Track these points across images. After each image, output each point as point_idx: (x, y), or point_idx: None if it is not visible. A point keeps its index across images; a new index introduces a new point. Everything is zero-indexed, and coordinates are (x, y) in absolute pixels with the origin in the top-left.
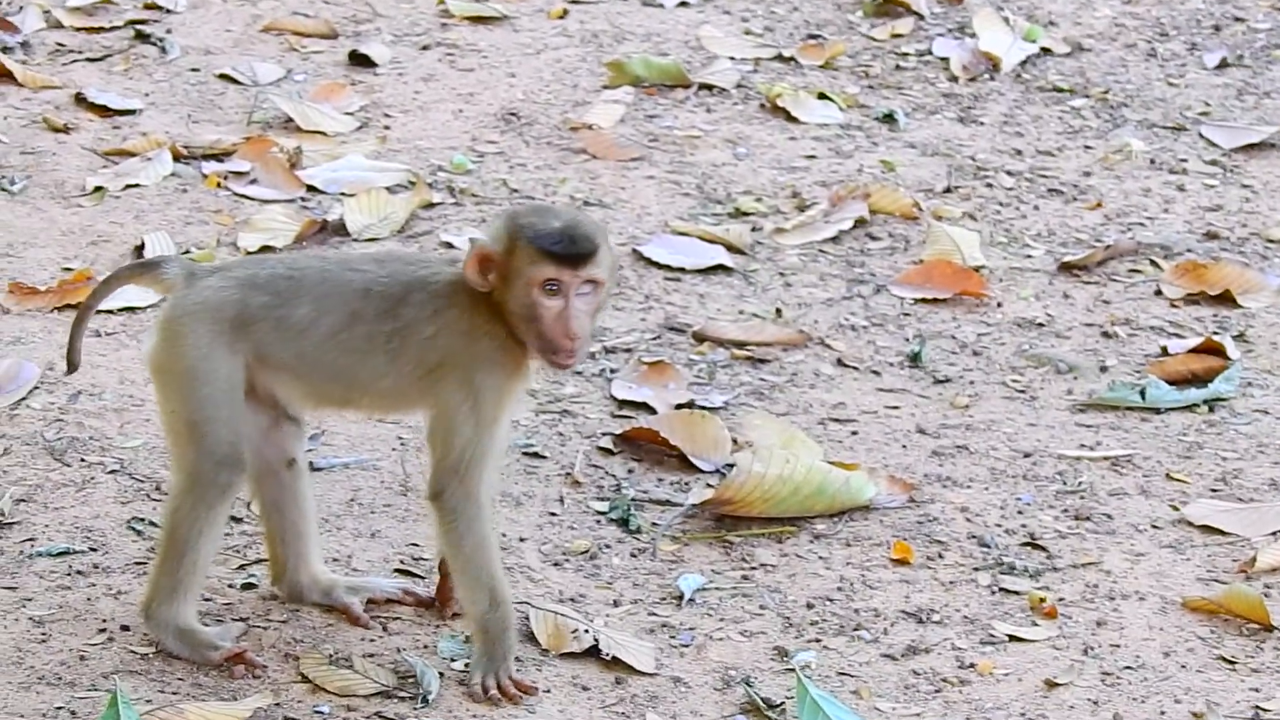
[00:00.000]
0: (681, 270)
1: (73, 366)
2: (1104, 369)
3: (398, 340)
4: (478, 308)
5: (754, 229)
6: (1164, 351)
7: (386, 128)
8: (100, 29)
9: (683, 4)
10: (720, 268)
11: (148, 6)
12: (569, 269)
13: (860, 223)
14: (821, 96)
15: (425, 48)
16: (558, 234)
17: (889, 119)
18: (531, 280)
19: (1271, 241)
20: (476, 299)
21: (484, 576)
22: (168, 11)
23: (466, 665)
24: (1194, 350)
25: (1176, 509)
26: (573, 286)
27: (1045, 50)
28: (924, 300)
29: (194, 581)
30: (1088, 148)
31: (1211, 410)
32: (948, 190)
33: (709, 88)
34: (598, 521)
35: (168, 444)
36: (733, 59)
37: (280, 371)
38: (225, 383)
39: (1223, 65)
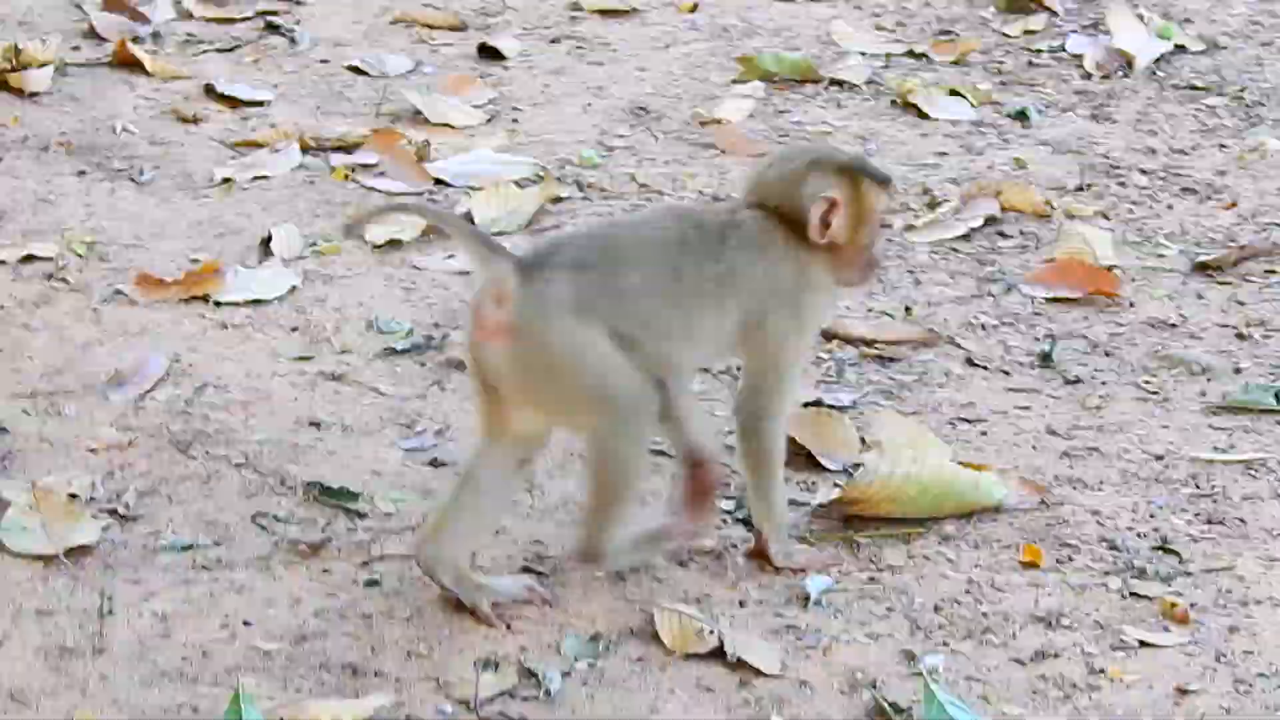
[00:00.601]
0: None
1: (349, 234)
2: (1238, 371)
3: (727, 283)
4: (789, 241)
5: (883, 225)
6: None
7: (515, 121)
8: (230, 20)
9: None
10: None
11: None
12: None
13: (991, 220)
14: (953, 93)
15: (554, 41)
16: (880, 169)
17: (1022, 116)
18: (878, 214)
19: None
20: (784, 233)
21: (779, 479)
22: (298, 3)
23: (591, 665)
24: None
25: None
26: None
27: (1180, 48)
28: (1055, 299)
29: (631, 513)
30: (1223, 147)
31: None
32: (1080, 189)
33: (839, 83)
34: (724, 521)
35: (569, 427)
36: (864, 54)
37: (624, 342)
38: (602, 345)
39: None
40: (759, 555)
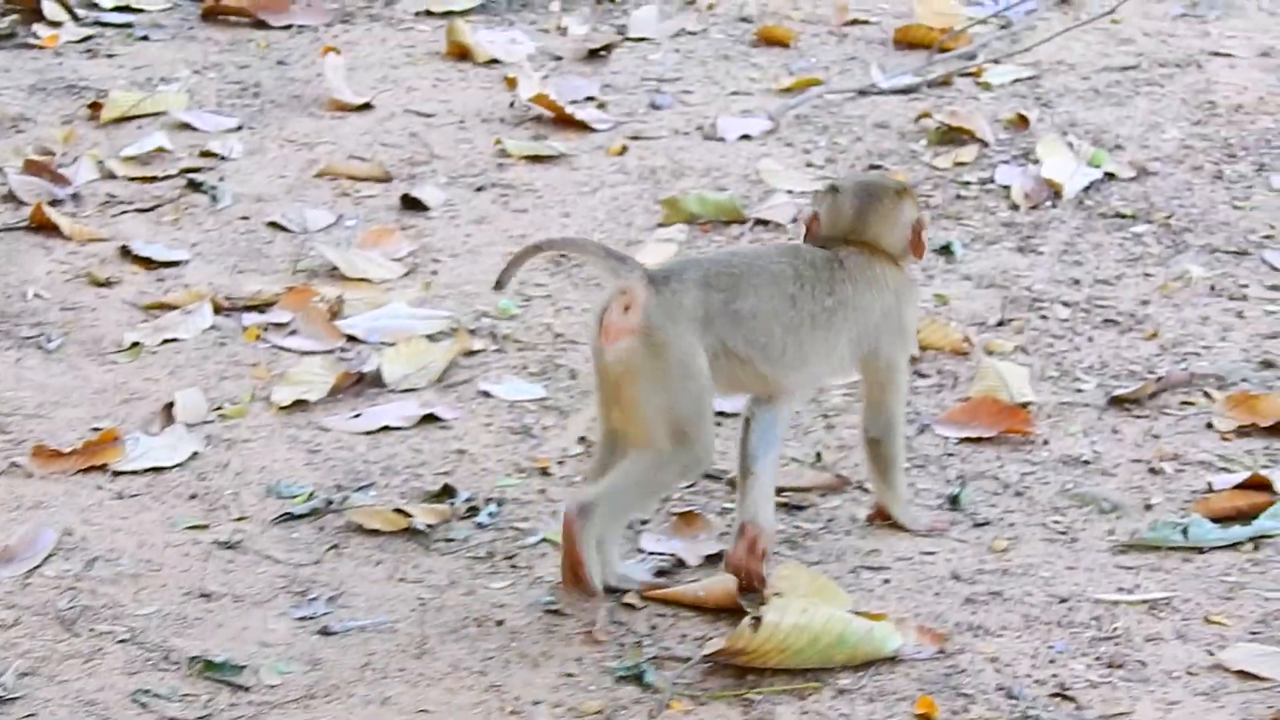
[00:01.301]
0: (722, 414)
1: (500, 285)
2: (1149, 507)
3: (839, 315)
4: (883, 267)
5: None
6: (1210, 488)
7: (434, 273)
8: (153, 178)
9: (744, 137)
10: None
11: (204, 154)
12: None
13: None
14: None
15: (480, 189)
16: None
17: (946, 251)
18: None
19: None
20: (878, 262)
21: (901, 468)
22: (223, 159)
23: None
24: (1240, 486)
25: (1213, 654)
26: None
27: (1110, 175)
28: (968, 439)
29: (619, 531)
30: (1148, 275)
31: (1256, 548)
32: (1001, 323)
33: (764, 223)
34: (616, 680)
35: (636, 434)
36: (791, 192)
37: (734, 360)
38: (706, 379)
39: None
40: (881, 517)
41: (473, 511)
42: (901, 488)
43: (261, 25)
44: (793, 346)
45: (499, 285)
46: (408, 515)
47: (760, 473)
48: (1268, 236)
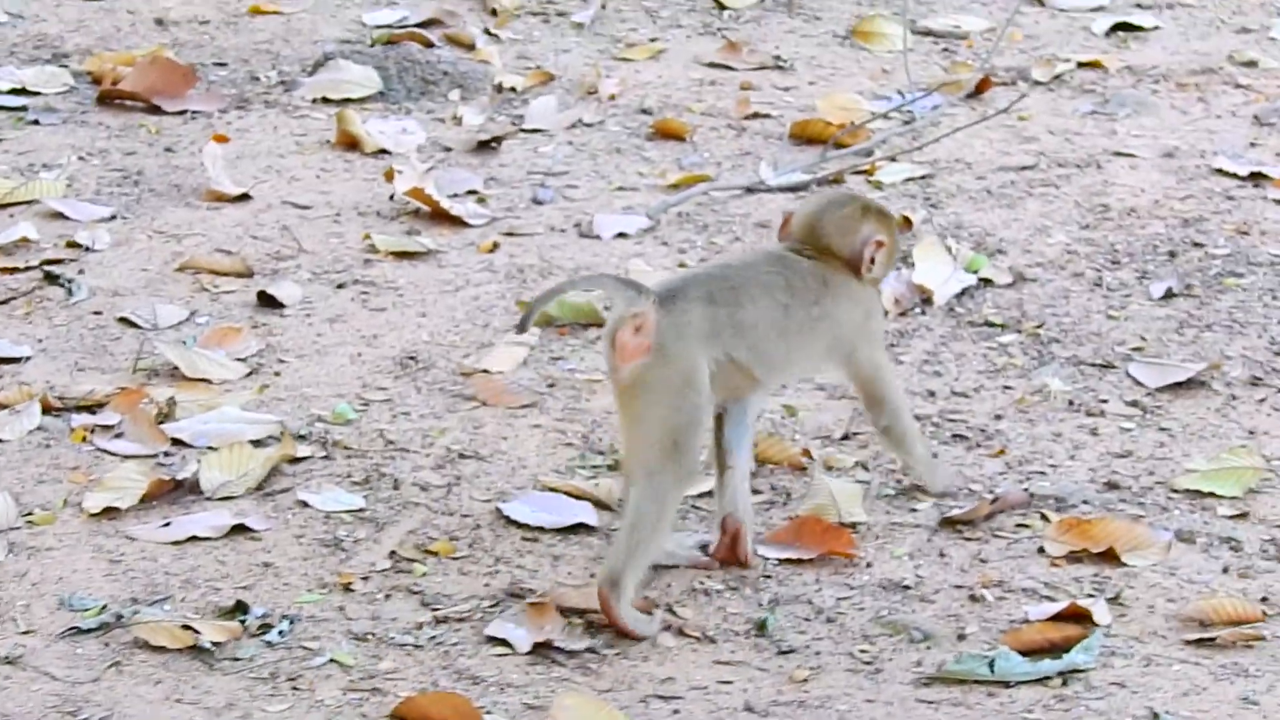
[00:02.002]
0: (540, 530)
1: (522, 329)
2: (962, 637)
3: (823, 323)
4: (855, 282)
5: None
6: (1025, 618)
7: (277, 374)
8: (13, 269)
9: (621, 235)
10: (582, 526)
11: (69, 245)
12: None
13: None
14: None
15: (341, 286)
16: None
17: None
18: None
19: (1176, 491)
20: (847, 273)
21: (919, 440)
22: (87, 250)
23: None
24: (1056, 617)
25: None
26: None
27: (986, 281)
28: (789, 560)
29: (650, 562)
30: (1007, 388)
31: (1065, 684)
32: (845, 437)
33: None
34: None
35: (633, 452)
36: None
37: (735, 368)
38: (707, 391)
39: (1168, 296)
40: (729, 555)
41: (265, 629)
42: (927, 458)
43: (156, 110)
44: (784, 353)
45: (521, 329)
46: (195, 632)
47: (737, 465)
48: (1137, 349)
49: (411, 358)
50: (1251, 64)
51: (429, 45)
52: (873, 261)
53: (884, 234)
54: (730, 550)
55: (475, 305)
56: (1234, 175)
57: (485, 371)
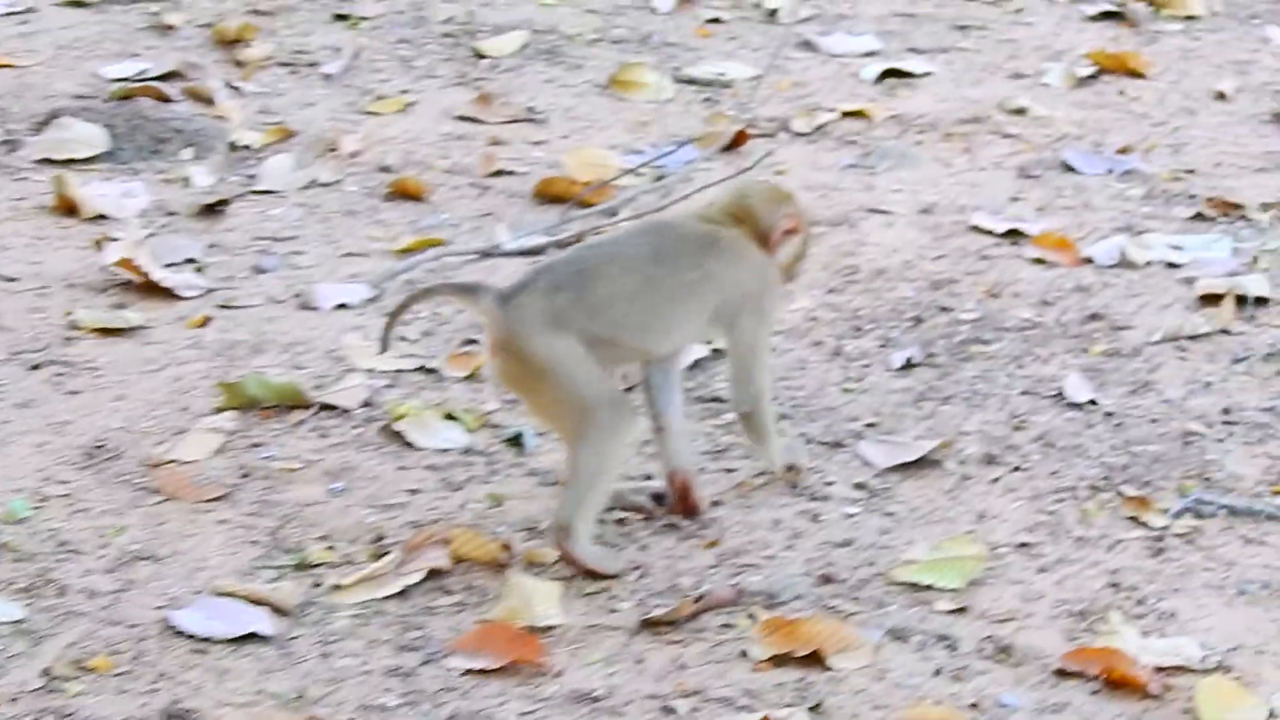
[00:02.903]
0: (209, 641)
1: (384, 348)
2: None
3: (702, 286)
4: (756, 250)
5: (315, 584)
6: None
7: None
8: None
9: (341, 306)
10: (255, 637)
11: None
12: None
13: (435, 574)
14: (449, 417)
15: (35, 367)
16: None
17: (515, 441)
18: (810, 237)
19: (894, 584)
20: (753, 247)
21: (773, 428)
22: None
23: None
24: None
25: None
26: None
27: (718, 353)
28: (475, 671)
29: (600, 507)
30: (730, 470)
31: None
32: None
33: (331, 408)
34: None
35: (556, 430)
36: (371, 371)
37: (604, 343)
38: (578, 355)
39: (908, 366)
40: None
41: None
42: (777, 445)
43: None
44: (655, 320)
45: (383, 348)
46: None
47: (670, 423)
48: (870, 425)
49: (100, 446)
50: (1021, 112)
51: (166, 100)
52: (782, 241)
53: (800, 225)
54: (683, 502)
55: (176, 386)
56: (990, 232)
57: (175, 462)
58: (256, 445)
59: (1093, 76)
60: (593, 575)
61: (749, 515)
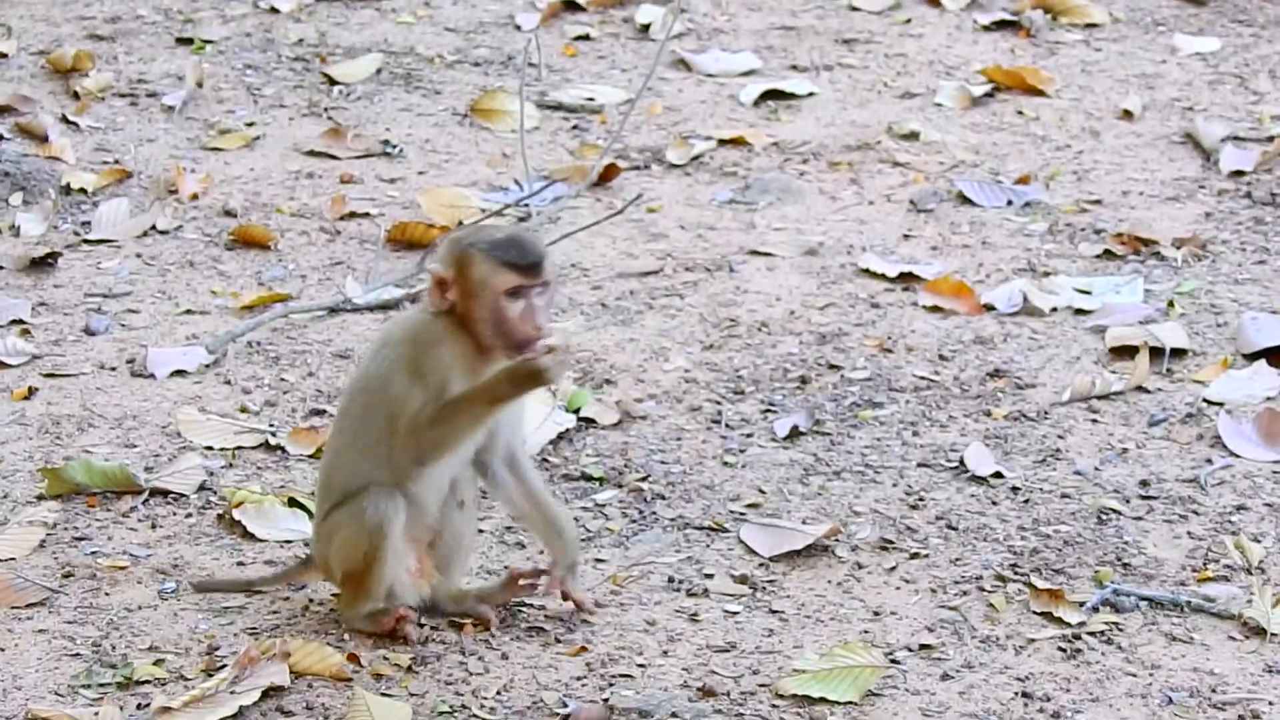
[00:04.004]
0: None
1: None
2: None
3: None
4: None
5: (141, 705)
6: None
7: None
8: None
9: (179, 373)
10: None
11: None
12: (528, 276)
13: (274, 691)
14: (292, 503)
15: None
16: (509, 245)
17: None
18: (496, 290)
19: (781, 697)
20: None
21: None
22: None
23: None
24: None
25: None
26: (532, 290)
27: (588, 422)
28: None
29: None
30: (599, 562)
31: None
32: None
33: (164, 493)
34: None
35: None
36: (209, 450)
37: None
38: None
39: (794, 435)
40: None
41: None
42: None
43: None
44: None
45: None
46: None
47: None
48: (753, 505)
49: None
50: (913, 136)
51: None
52: (441, 298)
53: (446, 270)
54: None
55: None
56: (882, 276)
57: None
58: (81, 539)
59: (988, 95)
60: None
61: (621, 616)
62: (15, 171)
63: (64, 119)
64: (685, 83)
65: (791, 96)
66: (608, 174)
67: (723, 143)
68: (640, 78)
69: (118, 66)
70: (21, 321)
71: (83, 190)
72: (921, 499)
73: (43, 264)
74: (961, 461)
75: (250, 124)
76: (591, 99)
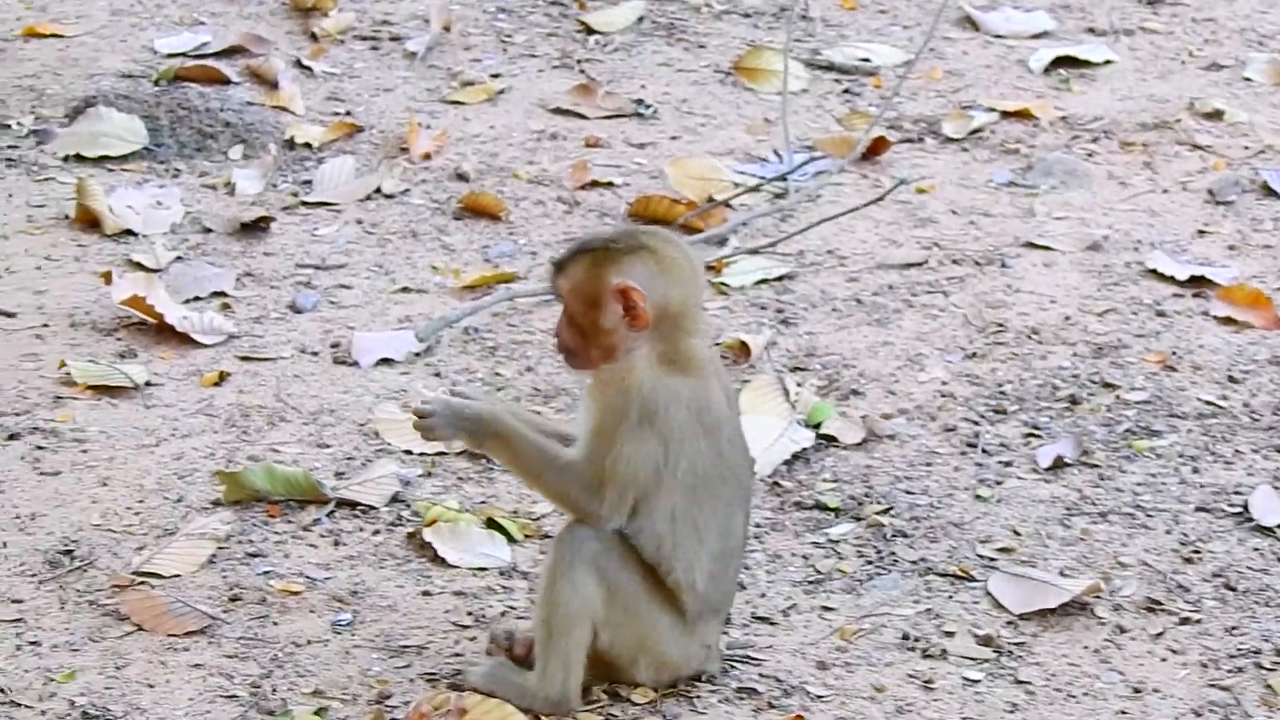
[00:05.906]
0: None
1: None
2: None
3: None
4: None
5: None
6: None
7: None
8: None
9: (385, 361)
10: None
11: None
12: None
13: None
14: (491, 525)
15: (13, 437)
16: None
17: None
18: None
19: None
20: None
21: None
22: None
23: None
24: None
25: None
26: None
27: (828, 440)
28: None
29: None
30: (826, 610)
31: None
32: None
33: (352, 504)
34: None
35: None
36: (408, 455)
37: None
38: None
39: (1058, 465)
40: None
41: None
42: None
43: None
44: None
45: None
46: None
47: None
48: (1004, 549)
49: (67, 551)
50: (1216, 115)
51: (225, 82)
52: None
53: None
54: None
55: (173, 468)
56: (1171, 279)
57: (152, 576)
58: (255, 555)
59: None
60: None
61: (846, 679)
62: (237, 122)
63: (297, 63)
64: (971, 44)
65: (1085, 64)
66: (876, 147)
67: (1005, 115)
68: (922, 36)
69: (362, 5)
70: (224, 294)
71: (307, 145)
72: (1197, 551)
73: (254, 228)
74: (1245, 507)
75: (496, 75)
76: (867, 59)
